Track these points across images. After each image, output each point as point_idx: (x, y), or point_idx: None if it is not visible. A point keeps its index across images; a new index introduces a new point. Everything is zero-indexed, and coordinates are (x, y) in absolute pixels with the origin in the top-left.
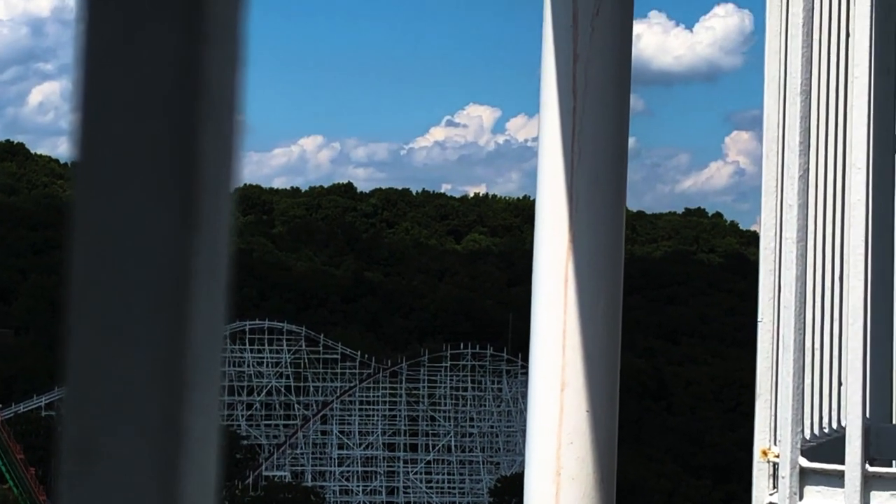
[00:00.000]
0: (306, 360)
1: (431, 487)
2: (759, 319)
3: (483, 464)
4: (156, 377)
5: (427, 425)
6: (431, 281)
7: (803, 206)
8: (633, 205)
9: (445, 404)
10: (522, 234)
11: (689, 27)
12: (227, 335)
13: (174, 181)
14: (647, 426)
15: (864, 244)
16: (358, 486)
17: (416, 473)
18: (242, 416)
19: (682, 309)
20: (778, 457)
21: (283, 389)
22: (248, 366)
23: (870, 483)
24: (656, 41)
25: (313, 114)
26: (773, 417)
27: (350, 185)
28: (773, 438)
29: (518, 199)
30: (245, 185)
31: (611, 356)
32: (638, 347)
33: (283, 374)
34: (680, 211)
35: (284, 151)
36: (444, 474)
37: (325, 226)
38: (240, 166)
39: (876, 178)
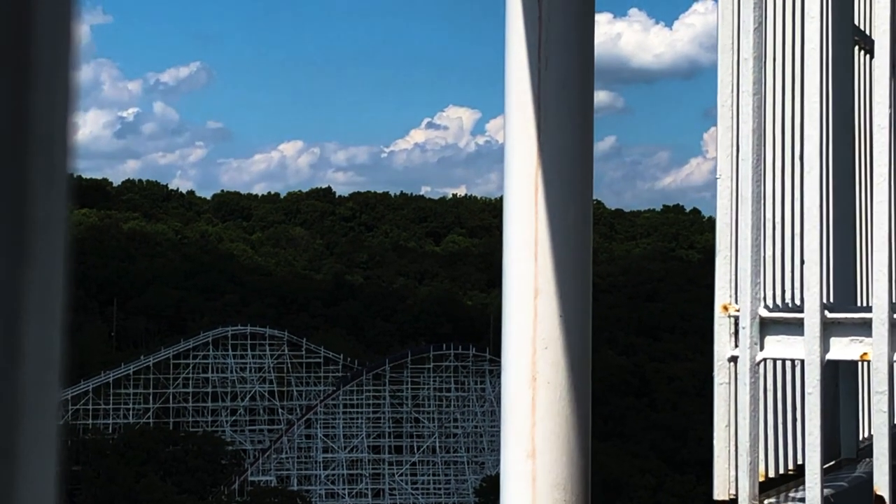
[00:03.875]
0: (289, 365)
1: (417, 488)
2: (717, 176)
3: (468, 464)
4: None
5: (411, 427)
6: (412, 283)
7: (759, 59)
8: (612, 203)
9: (429, 406)
10: (502, 235)
11: (669, 25)
12: (63, 373)
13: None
14: (629, 422)
15: (819, 92)
16: (344, 489)
17: (401, 475)
18: (227, 421)
19: (663, 305)
20: (738, 311)
21: (266, 394)
22: (232, 371)
23: (829, 329)
24: (636, 39)
25: (293, 119)
26: (733, 274)
27: (328, 189)
28: (734, 296)
29: (496, 199)
30: (223, 191)
31: (582, 263)
32: (619, 344)
33: (267, 379)
34: (658, 208)
35: (264, 157)
36: (429, 475)
37: (304, 230)
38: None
39: (834, 29)
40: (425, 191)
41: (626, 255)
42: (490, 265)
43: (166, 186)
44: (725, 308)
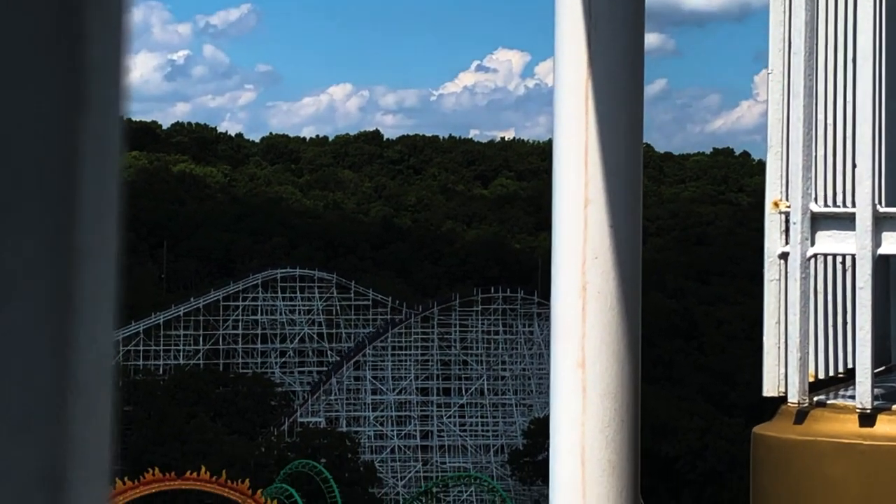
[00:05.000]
0: (338, 307)
1: (465, 430)
2: (768, 71)
3: (516, 406)
4: (47, 248)
5: (459, 369)
6: (459, 226)
7: None
8: (661, 146)
9: (477, 348)
10: (550, 178)
11: None
12: (122, 212)
13: (59, 59)
14: (678, 366)
15: None
16: (392, 431)
17: (449, 417)
18: (276, 363)
19: (712, 249)
20: (789, 207)
21: (315, 336)
22: (281, 313)
23: (881, 224)
24: None
25: (342, 62)
26: (784, 170)
27: (377, 132)
28: (785, 193)
29: (544, 142)
30: (272, 134)
31: (633, 172)
32: (668, 288)
33: (316, 322)
34: (708, 151)
35: (313, 100)
36: (477, 417)
37: (353, 173)
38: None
39: None
40: (474, 134)
41: (675, 199)
42: (538, 208)
43: (215, 129)
44: (776, 204)
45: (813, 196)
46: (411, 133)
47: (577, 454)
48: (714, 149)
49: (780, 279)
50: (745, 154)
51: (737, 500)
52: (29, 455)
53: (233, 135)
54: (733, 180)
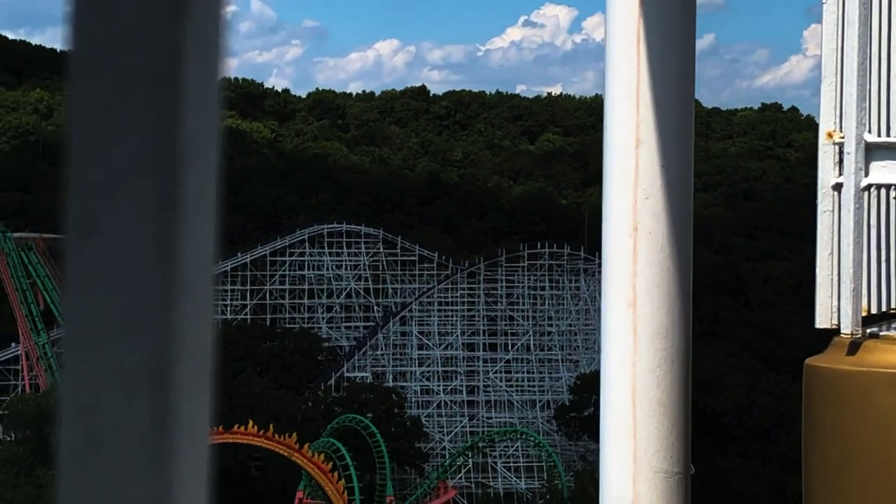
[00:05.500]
0: (384, 263)
1: (511, 386)
2: (822, 0)
3: (562, 362)
4: (150, 155)
5: (506, 325)
6: (506, 182)
7: None
8: (709, 101)
9: (524, 304)
10: (596, 133)
11: None
12: (222, 117)
13: None
14: (724, 322)
15: None
16: (438, 386)
17: (495, 372)
18: (323, 318)
19: (760, 205)
20: (843, 138)
21: (361, 292)
22: (328, 269)
23: None
24: None
25: (389, 18)
26: (838, 100)
27: (423, 87)
28: (839, 124)
29: (591, 98)
30: (318, 89)
31: (685, 112)
32: (715, 244)
33: (362, 277)
34: (756, 106)
35: (360, 56)
36: (523, 373)
37: (399, 129)
38: None
39: None
40: (521, 89)
41: (722, 154)
42: (585, 164)
43: (262, 85)
44: (830, 135)
45: (867, 126)
46: (458, 88)
47: (628, 394)
48: (762, 104)
49: (833, 210)
50: (794, 109)
51: (784, 457)
52: (136, 352)
53: (279, 90)
54: (781, 136)
